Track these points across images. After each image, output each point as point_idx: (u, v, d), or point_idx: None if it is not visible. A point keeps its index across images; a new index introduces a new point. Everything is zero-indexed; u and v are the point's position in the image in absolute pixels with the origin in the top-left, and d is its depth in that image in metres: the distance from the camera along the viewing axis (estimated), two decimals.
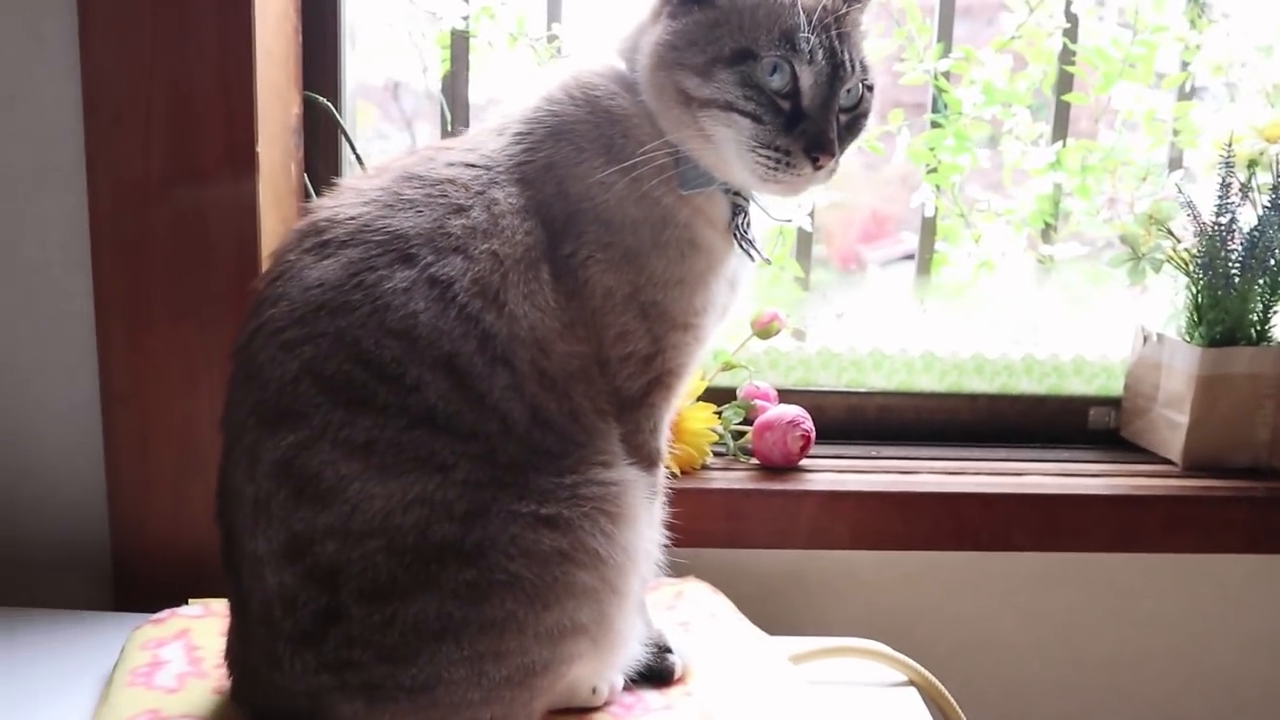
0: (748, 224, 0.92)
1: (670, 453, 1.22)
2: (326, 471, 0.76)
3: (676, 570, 1.16)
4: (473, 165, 0.86)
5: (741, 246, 0.91)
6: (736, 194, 0.91)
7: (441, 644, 0.76)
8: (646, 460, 0.92)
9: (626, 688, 0.95)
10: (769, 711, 0.92)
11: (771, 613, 1.29)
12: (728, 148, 0.85)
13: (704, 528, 1.25)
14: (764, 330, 1.35)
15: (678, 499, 1.22)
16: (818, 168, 0.84)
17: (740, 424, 1.36)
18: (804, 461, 1.34)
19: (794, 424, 1.31)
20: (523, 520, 0.79)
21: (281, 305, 0.80)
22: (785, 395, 1.42)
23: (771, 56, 0.82)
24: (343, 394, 0.77)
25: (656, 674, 0.96)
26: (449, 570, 0.77)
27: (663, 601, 1.13)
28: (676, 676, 0.97)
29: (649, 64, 0.86)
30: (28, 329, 1.18)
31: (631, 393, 0.90)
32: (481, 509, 0.78)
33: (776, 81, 0.83)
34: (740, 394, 1.37)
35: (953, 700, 1.09)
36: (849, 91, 0.86)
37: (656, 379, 0.91)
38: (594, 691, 0.90)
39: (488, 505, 0.78)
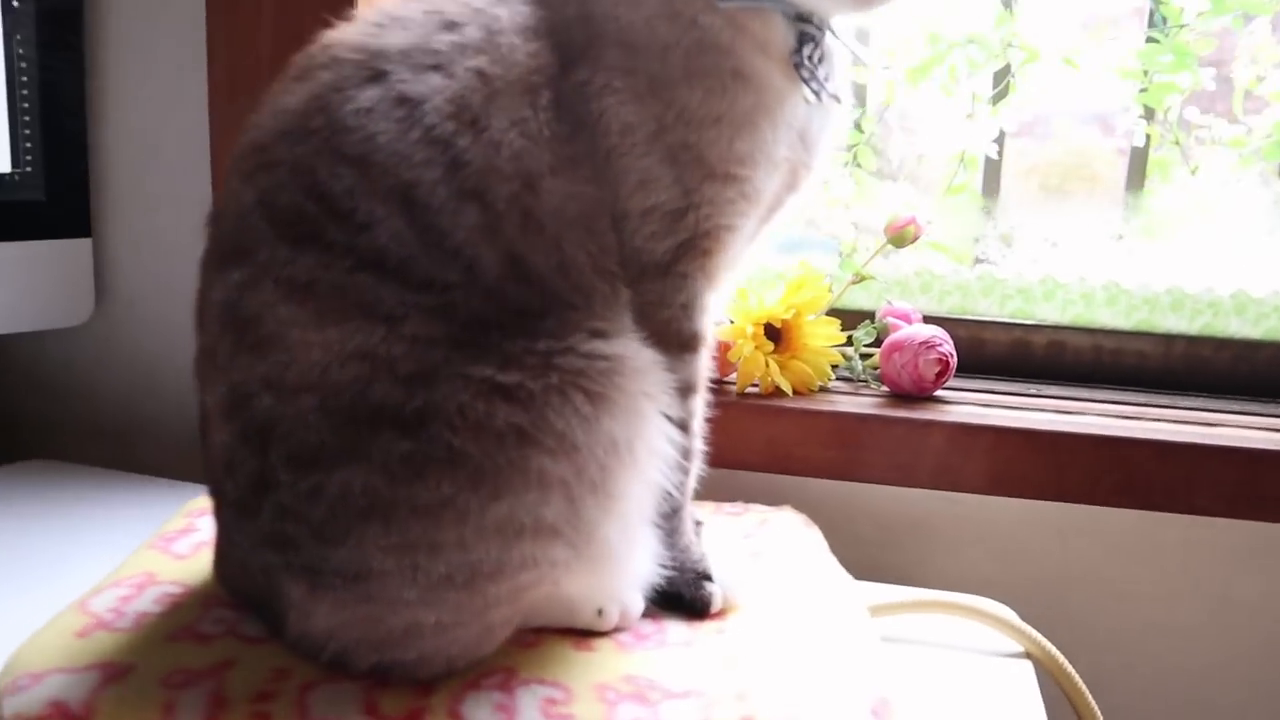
0: (819, 57, 0.76)
1: (781, 368, 1.09)
2: (266, 315, 0.67)
3: (772, 498, 1.03)
4: None
5: (806, 82, 0.75)
6: (801, 19, 0.75)
7: (368, 525, 0.65)
8: (674, 342, 0.77)
9: (651, 615, 0.82)
10: (812, 663, 0.77)
11: (884, 560, 1.13)
12: None
13: (810, 454, 1.09)
14: (898, 236, 1.15)
15: (783, 420, 1.08)
16: None
17: (871, 346, 1.19)
18: (942, 393, 1.16)
19: (928, 345, 1.11)
20: (475, 387, 0.65)
21: (250, 135, 0.71)
22: (938, 324, 1.22)
23: None
24: (291, 229, 0.67)
25: (689, 604, 0.82)
26: (382, 439, 0.65)
27: (740, 528, 0.99)
28: (713, 609, 0.82)
29: None
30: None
31: (656, 256, 0.75)
32: (429, 371, 0.65)
33: None
34: (878, 316, 1.20)
35: (1081, 684, 0.89)
36: None
37: (689, 242, 0.75)
38: (600, 614, 0.78)
39: (437, 367, 0.66)
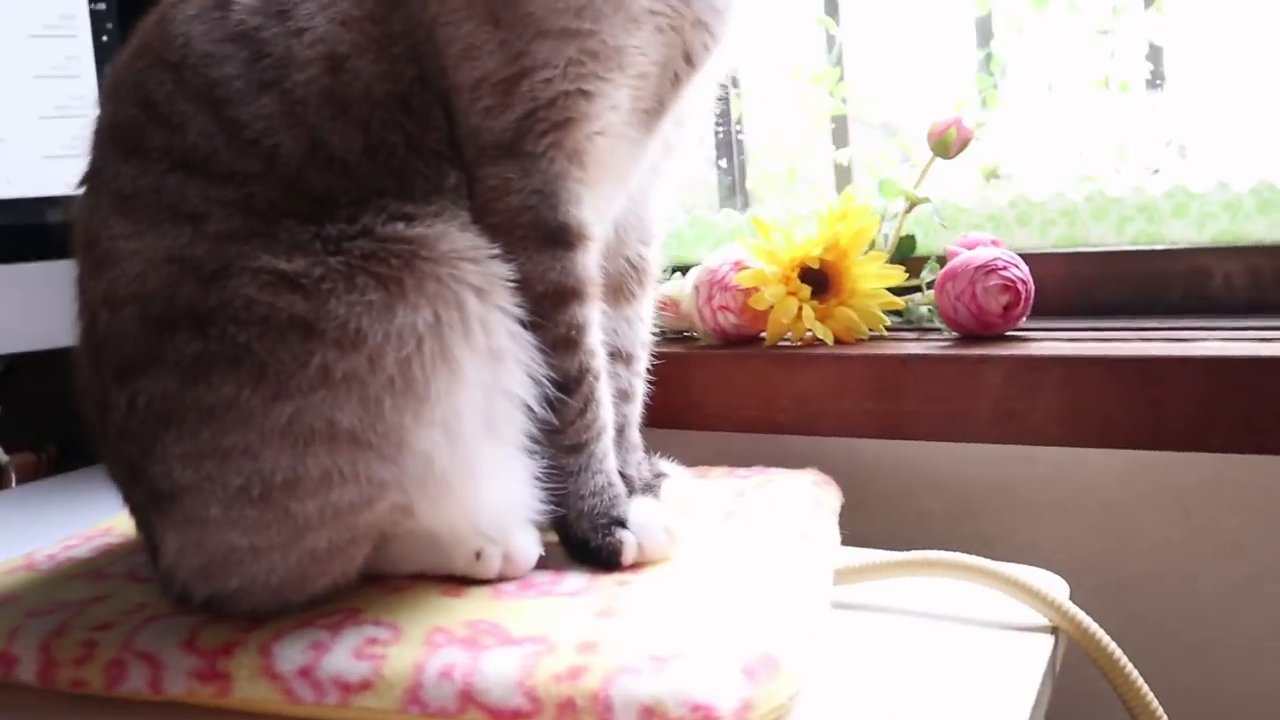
0: None
1: (824, 316, 0.95)
2: (102, 232, 0.66)
3: (810, 465, 0.89)
4: None
5: None
6: None
7: (166, 433, 0.62)
8: (533, 235, 0.68)
9: (555, 565, 0.72)
10: (697, 618, 0.63)
11: (947, 532, 0.94)
12: None
13: (845, 409, 0.93)
14: (940, 142, 0.97)
15: (813, 371, 0.94)
16: None
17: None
18: (1021, 331, 0.95)
19: (987, 269, 0.92)
20: (261, 280, 0.61)
21: (120, 57, 0.72)
22: (1040, 261, 1.02)
23: None
24: (124, 143, 0.67)
25: (593, 551, 0.71)
26: (178, 340, 0.62)
27: (734, 489, 0.85)
28: (624, 560, 0.71)
29: None
30: None
31: (496, 134, 0.67)
32: (224, 267, 0.62)
33: None
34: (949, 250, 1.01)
35: (1125, 664, 0.67)
36: None
37: (532, 114, 0.67)
38: (478, 557, 0.69)
39: (230, 261, 0.62)
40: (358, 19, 0.66)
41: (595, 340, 0.72)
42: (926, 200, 1.00)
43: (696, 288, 1.02)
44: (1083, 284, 1.04)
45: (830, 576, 0.72)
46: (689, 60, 0.71)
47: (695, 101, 0.78)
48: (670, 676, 0.55)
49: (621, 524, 0.72)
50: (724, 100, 1.39)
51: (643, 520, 0.72)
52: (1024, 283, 0.92)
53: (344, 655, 0.60)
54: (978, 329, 0.93)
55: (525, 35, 0.65)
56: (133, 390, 0.64)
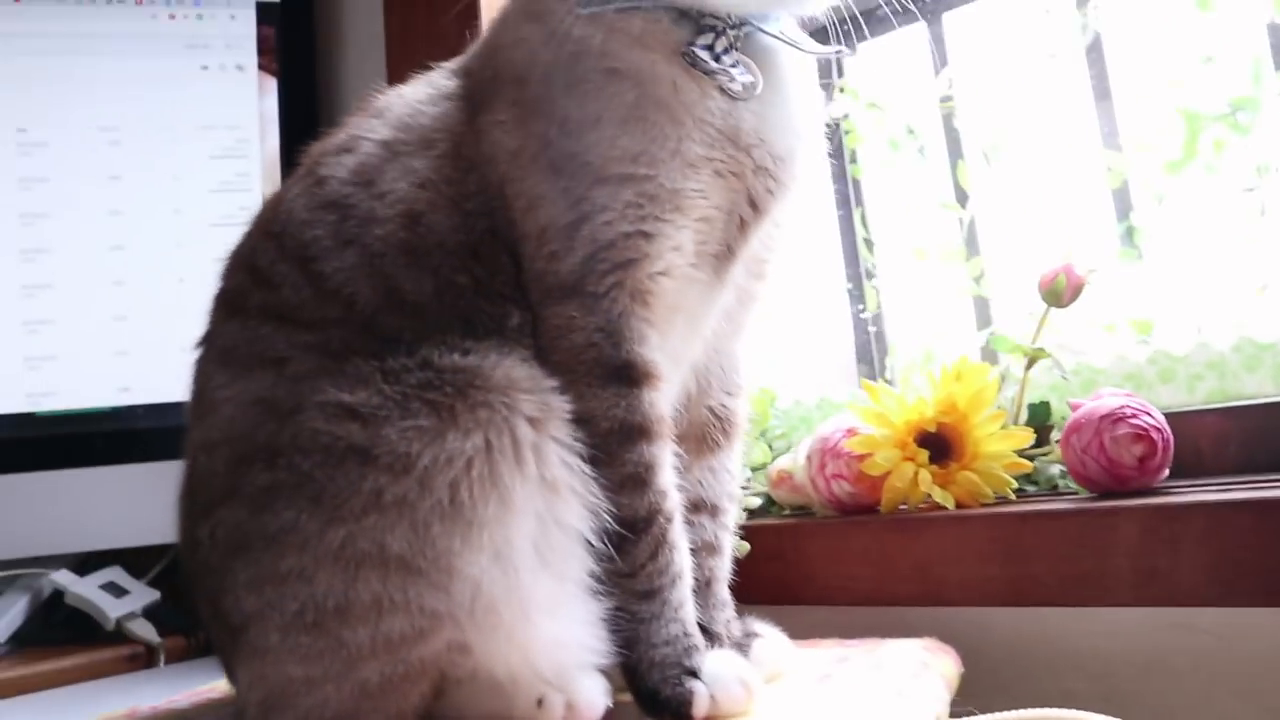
0: (722, 48, 0.71)
1: (945, 481, 0.91)
2: (205, 384, 0.73)
3: (917, 635, 0.83)
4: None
5: (706, 74, 0.70)
6: (701, 14, 0.72)
7: (235, 561, 0.65)
8: (597, 372, 0.69)
9: (613, 716, 0.68)
10: None
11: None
12: None
13: (964, 576, 0.86)
14: (1051, 291, 0.93)
15: (929, 536, 0.89)
16: None
17: None
18: (1164, 486, 0.87)
19: (1114, 418, 0.85)
20: (327, 411, 0.65)
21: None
22: (1187, 420, 0.95)
23: None
24: (229, 304, 0.75)
25: (662, 704, 0.67)
26: (252, 473, 0.66)
27: (836, 655, 0.79)
28: (695, 713, 0.66)
29: None
30: None
31: (561, 276, 0.70)
32: (299, 404, 0.66)
33: None
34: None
35: None
36: None
37: (594, 256, 0.69)
38: (539, 704, 0.66)
39: (304, 398, 0.66)
40: (435, 182, 0.73)
41: (666, 481, 0.71)
42: (1045, 354, 0.96)
43: (809, 457, 1.00)
44: (1241, 440, 0.94)
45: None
46: (754, 205, 0.74)
47: (773, 251, 0.80)
48: None
49: (694, 674, 0.68)
50: (856, 289, 1.41)
51: (717, 671, 0.68)
52: (1158, 430, 0.85)
53: None
54: (1112, 484, 0.86)
55: (585, 182, 0.70)
56: (213, 524, 0.68)
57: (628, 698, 0.70)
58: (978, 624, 0.89)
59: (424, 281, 0.70)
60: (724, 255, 0.74)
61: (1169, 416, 0.96)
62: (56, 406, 1.30)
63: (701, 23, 0.72)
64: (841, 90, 1.44)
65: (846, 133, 1.46)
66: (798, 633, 0.83)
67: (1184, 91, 1.25)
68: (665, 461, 0.71)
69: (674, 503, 0.72)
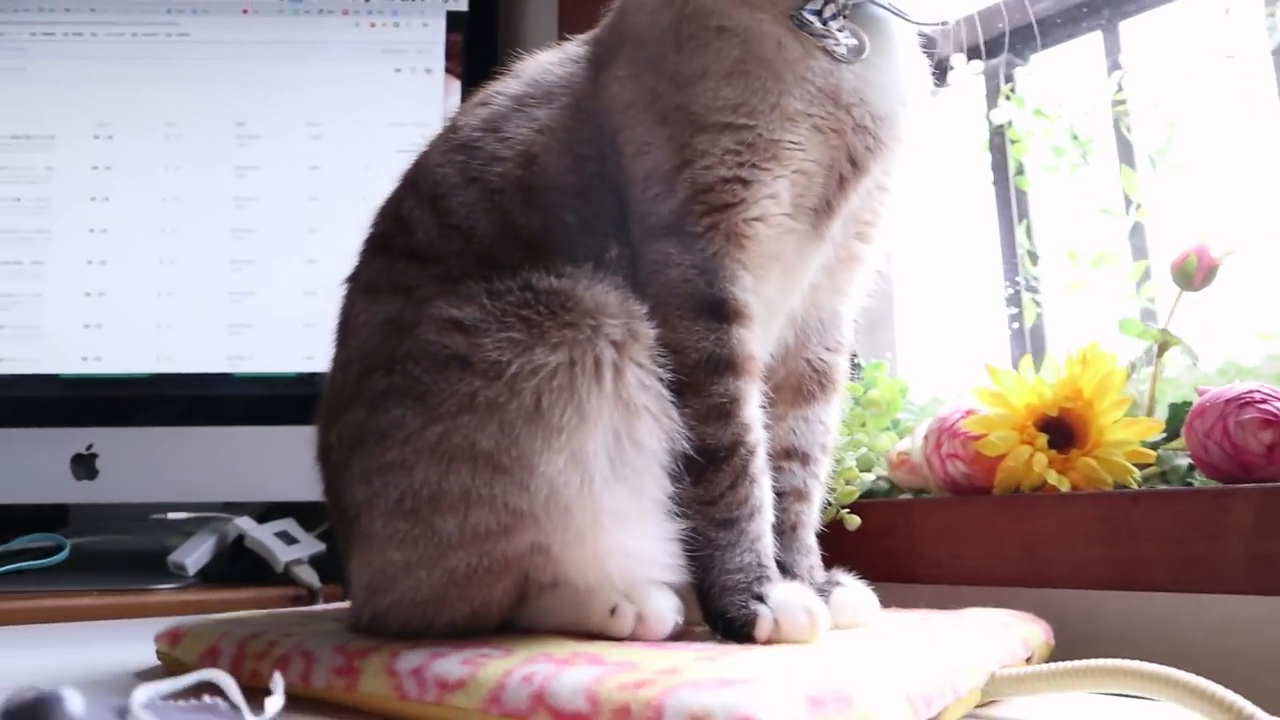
0: (831, 12, 0.75)
1: (1064, 467, 0.90)
2: (350, 313, 0.82)
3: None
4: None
5: (812, 35, 0.74)
6: None
7: (353, 456, 0.73)
8: (689, 306, 0.73)
9: (685, 635, 0.71)
10: (807, 665, 0.59)
11: None
12: None
13: (1071, 557, 0.84)
14: (1181, 272, 0.88)
15: (1036, 515, 0.87)
16: None
17: None
18: None
19: (1241, 402, 0.81)
20: (439, 324, 0.71)
21: None
22: None
23: None
24: (377, 247, 0.83)
25: (729, 622, 0.69)
26: (372, 379, 0.73)
27: (920, 616, 0.79)
28: (759, 634, 0.68)
29: None
30: None
31: (662, 217, 0.74)
32: (418, 320, 0.73)
33: None
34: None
35: None
36: None
37: (692, 198, 0.73)
38: (612, 613, 0.70)
39: (422, 316, 0.73)
40: (552, 128, 0.79)
41: (751, 416, 0.74)
42: (1176, 340, 0.92)
43: (926, 437, 0.99)
44: None
45: (976, 666, 0.63)
46: (854, 163, 0.76)
47: (879, 215, 0.81)
48: (729, 693, 0.53)
49: (762, 600, 0.70)
50: (1015, 300, 1.38)
51: (784, 599, 0.70)
52: None
53: (455, 661, 0.63)
54: (1236, 472, 0.81)
55: (688, 130, 0.74)
56: (339, 427, 0.76)
57: (702, 626, 0.73)
58: (1086, 609, 0.85)
59: (535, 217, 0.77)
60: (823, 210, 0.77)
61: None
62: (251, 369, 1.46)
63: None
64: (1007, 97, 1.43)
65: (1013, 141, 1.44)
66: (903, 606, 0.84)
67: None
68: (751, 397, 0.74)
69: (757, 437, 0.74)
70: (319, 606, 1.29)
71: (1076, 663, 0.62)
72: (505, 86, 0.84)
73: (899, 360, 1.44)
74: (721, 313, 0.74)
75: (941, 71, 1.48)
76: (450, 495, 0.68)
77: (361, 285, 0.83)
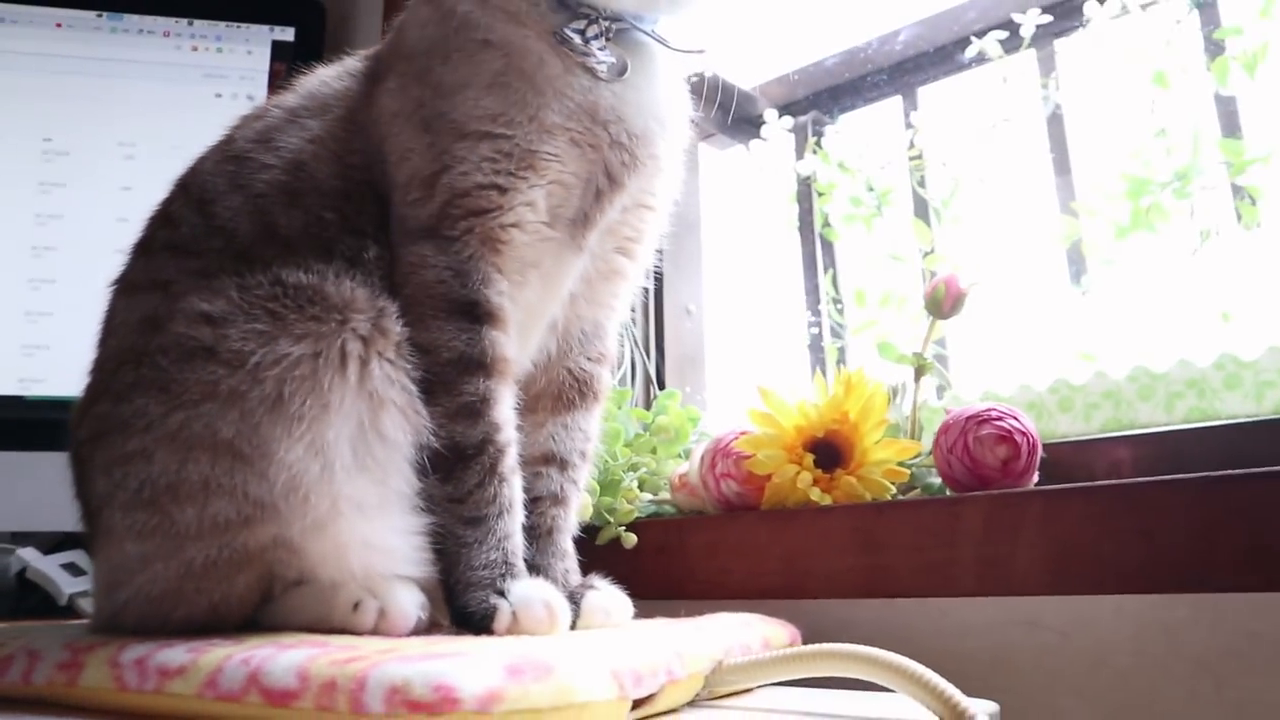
0: (592, 34, 0.79)
1: (829, 485, 0.94)
2: (110, 313, 0.81)
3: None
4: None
5: (574, 53, 0.77)
6: (580, 5, 0.79)
7: (96, 448, 0.72)
8: (442, 306, 0.75)
9: (433, 629, 0.71)
10: (520, 644, 0.60)
11: None
12: None
13: (828, 566, 0.87)
14: (932, 301, 0.95)
15: (796, 528, 0.90)
16: None
17: None
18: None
19: (980, 419, 0.87)
20: (189, 317, 0.71)
21: None
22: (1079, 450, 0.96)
23: None
24: (141, 246, 0.83)
25: (469, 615, 0.70)
26: (121, 373, 0.72)
27: (669, 619, 0.81)
28: (498, 627, 0.69)
29: None
30: None
31: (421, 220, 0.76)
32: (171, 314, 0.72)
33: None
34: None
35: None
36: None
37: (450, 203, 0.76)
38: (355, 608, 0.70)
39: (176, 310, 0.72)
40: (324, 138, 0.81)
41: (502, 416, 0.75)
42: (930, 366, 0.98)
43: (703, 457, 1.02)
44: (1133, 465, 0.94)
45: (700, 654, 0.65)
46: (610, 177, 0.79)
47: (642, 233, 0.85)
48: (431, 664, 0.53)
49: (503, 595, 0.70)
50: (817, 341, 1.44)
51: (524, 593, 0.71)
52: (1023, 434, 0.86)
53: (180, 650, 0.62)
54: (976, 485, 0.86)
55: (449, 138, 0.77)
56: (86, 420, 0.74)
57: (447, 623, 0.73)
58: (840, 617, 0.89)
59: (295, 216, 0.77)
60: (581, 222, 0.80)
61: (1069, 444, 0.97)
62: (45, 392, 1.40)
63: (578, 11, 0.79)
64: (814, 152, 1.51)
65: (819, 194, 1.52)
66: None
67: (1137, 161, 1.29)
68: (503, 398, 0.76)
69: (507, 437, 0.76)
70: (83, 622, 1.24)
71: (791, 649, 0.65)
72: (283, 100, 0.85)
73: (709, 396, 1.49)
74: (474, 314, 0.75)
75: (755, 125, 1.57)
76: (189, 484, 0.67)
77: (123, 286, 0.82)
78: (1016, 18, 1.34)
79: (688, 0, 0.81)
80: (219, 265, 0.75)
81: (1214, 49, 1.25)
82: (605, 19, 0.79)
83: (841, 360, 1.41)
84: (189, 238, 0.78)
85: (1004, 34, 1.35)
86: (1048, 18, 1.34)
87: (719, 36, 0.90)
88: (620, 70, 0.79)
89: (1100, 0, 1.29)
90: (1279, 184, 1.16)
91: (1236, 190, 1.22)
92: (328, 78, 0.86)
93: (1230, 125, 1.24)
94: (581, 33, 0.79)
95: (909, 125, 1.45)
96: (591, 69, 0.78)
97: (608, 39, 0.79)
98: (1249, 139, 1.22)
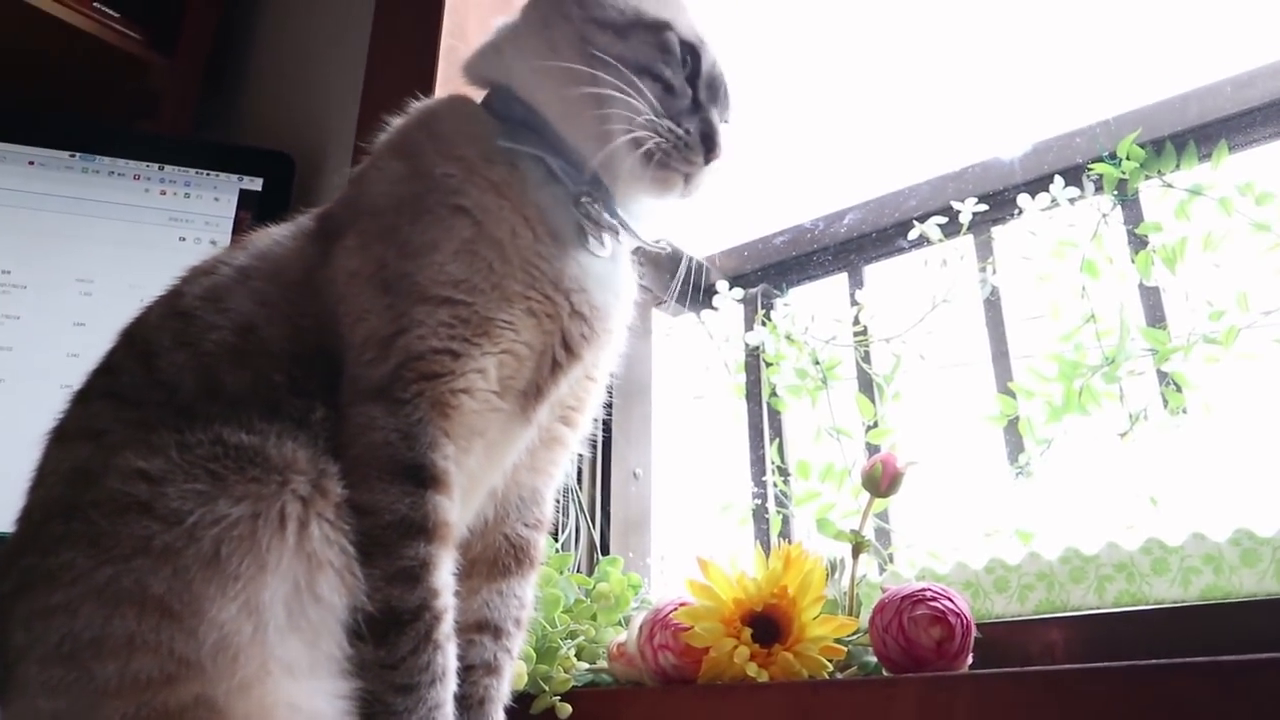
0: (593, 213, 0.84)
1: (765, 660, 0.93)
2: (42, 462, 0.80)
3: None
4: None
5: (592, 217, 0.83)
6: (588, 194, 0.84)
7: (18, 601, 0.69)
8: (388, 469, 0.74)
9: None
10: None
11: None
12: (618, 110, 0.81)
13: None
14: (869, 478, 0.96)
15: (729, 702, 0.89)
16: (708, 161, 0.83)
17: None
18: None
19: (914, 599, 0.87)
20: (125, 474, 0.71)
21: None
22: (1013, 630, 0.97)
23: (689, 38, 0.85)
24: (80, 394, 0.82)
25: None
26: (50, 525, 0.71)
27: None
28: None
29: (543, 17, 0.86)
30: None
31: (373, 380, 0.77)
32: (105, 468, 0.72)
33: (684, 65, 0.84)
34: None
35: None
36: (725, 121, 0.87)
37: (405, 365, 0.76)
38: None
39: (110, 464, 0.72)
40: (276, 302, 0.82)
41: (441, 582, 0.75)
42: (867, 545, 0.99)
43: (641, 627, 1.01)
44: (1065, 647, 0.94)
45: None
46: (568, 348, 0.81)
47: (584, 403, 0.87)
48: None
49: None
50: (761, 509, 1.45)
51: None
52: (957, 615, 0.86)
53: None
54: (910, 665, 0.86)
55: (410, 300, 0.78)
56: (11, 573, 0.73)
57: None
58: None
59: (242, 378, 0.78)
60: (533, 394, 0.81)
61: (1004, 624, 0.98)
62: None
63: (573, 190, 0.83)
64: (763, 323, 1.56)
65: (768, 364, 1.56)
66: None
67: (1069, 345, 1.34)
68: (442, 564, 0.75)
69: (445, 603, 0.75)
70: None
71: None
72: (232, 257, 0.86)
73: (654, 562, 1.48)
74: (420, 477, 0.75)
75: (708, 295, 1.62)
76: (113, 639, 0.66)
77: (57, 435, 0.81)
78: (955, 205, 1.42)
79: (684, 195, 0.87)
80: (159, 419, 0.75)
81: (1138, 243, 1.33)
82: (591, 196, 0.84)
83: (785, 530, 1.42)
84: (130, 387, 0.78)
85: (944, 219, 1.43)
86: (984, 206, 1.42)
87: (679, 226, 0.95)
88: (610, 249, 0.83)
89: (1032, 194, 1.37)
90: (1200, 374, 1.21)
91: (1162, 376, 1.27)
92: (280, 237, 0.88)
93: (1155, 314, 1.31)
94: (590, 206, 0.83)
95: (854, 302, 1.51)
96: (598, 241, 0.82)
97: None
98: (1173, 327, 1.28)
